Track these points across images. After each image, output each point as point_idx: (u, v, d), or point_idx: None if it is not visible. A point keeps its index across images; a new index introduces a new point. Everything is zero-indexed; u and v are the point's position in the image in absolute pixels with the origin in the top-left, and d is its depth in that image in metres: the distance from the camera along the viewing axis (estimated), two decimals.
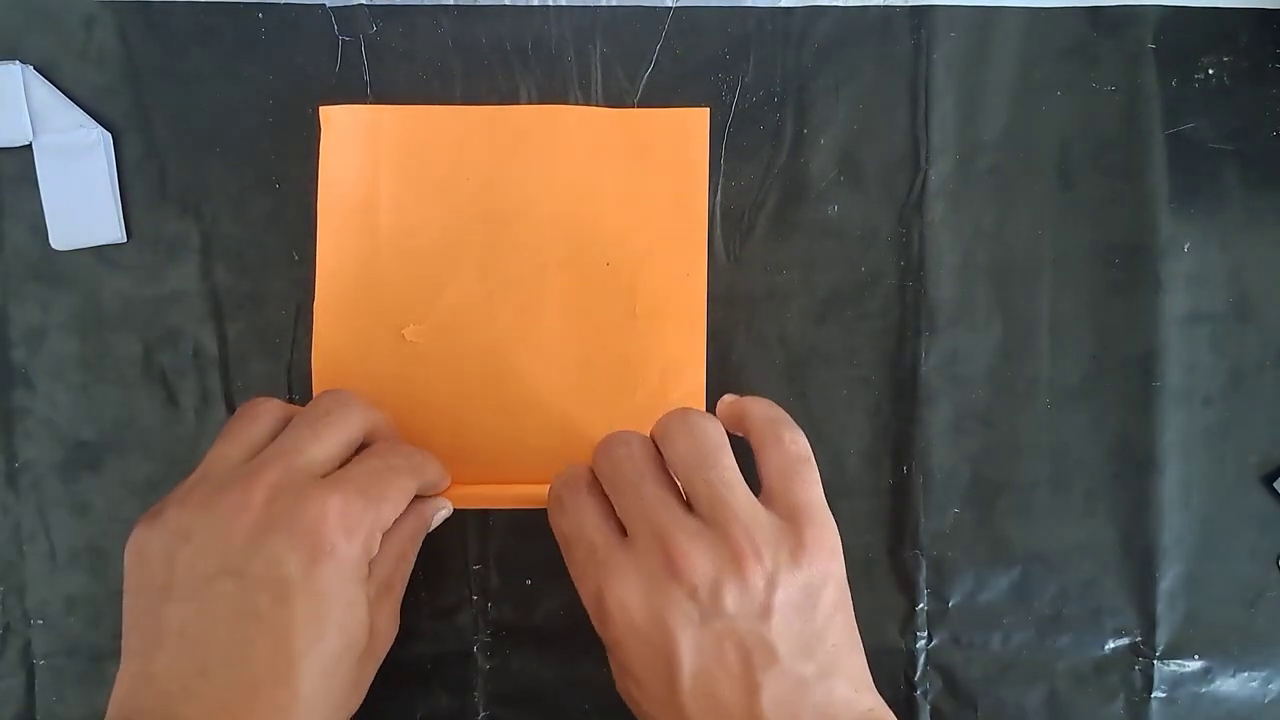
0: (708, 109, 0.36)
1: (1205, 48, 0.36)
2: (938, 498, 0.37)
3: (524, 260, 0.36)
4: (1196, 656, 0.37)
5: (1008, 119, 0.36)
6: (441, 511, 0.34)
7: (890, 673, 0.37)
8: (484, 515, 0.37)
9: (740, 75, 0.36)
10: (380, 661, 0.32)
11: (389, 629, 0.32)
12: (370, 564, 0.30)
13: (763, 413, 0.31)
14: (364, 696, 0.32)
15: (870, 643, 0.37)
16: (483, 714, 0.37)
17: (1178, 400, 0.37)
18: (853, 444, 0.37)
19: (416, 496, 0.33)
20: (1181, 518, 0.37)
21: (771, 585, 0.28)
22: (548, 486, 0.33)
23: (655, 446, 0.31)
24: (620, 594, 0.28)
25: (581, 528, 0.30)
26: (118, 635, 0.36)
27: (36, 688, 0.36)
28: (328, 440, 0.31)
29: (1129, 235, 0.37)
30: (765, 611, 0.28)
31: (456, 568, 0.37)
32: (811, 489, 0.30)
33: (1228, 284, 0.37)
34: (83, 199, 0.35)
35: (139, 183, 0.36)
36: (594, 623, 0.30)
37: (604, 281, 0.36)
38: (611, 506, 0.31)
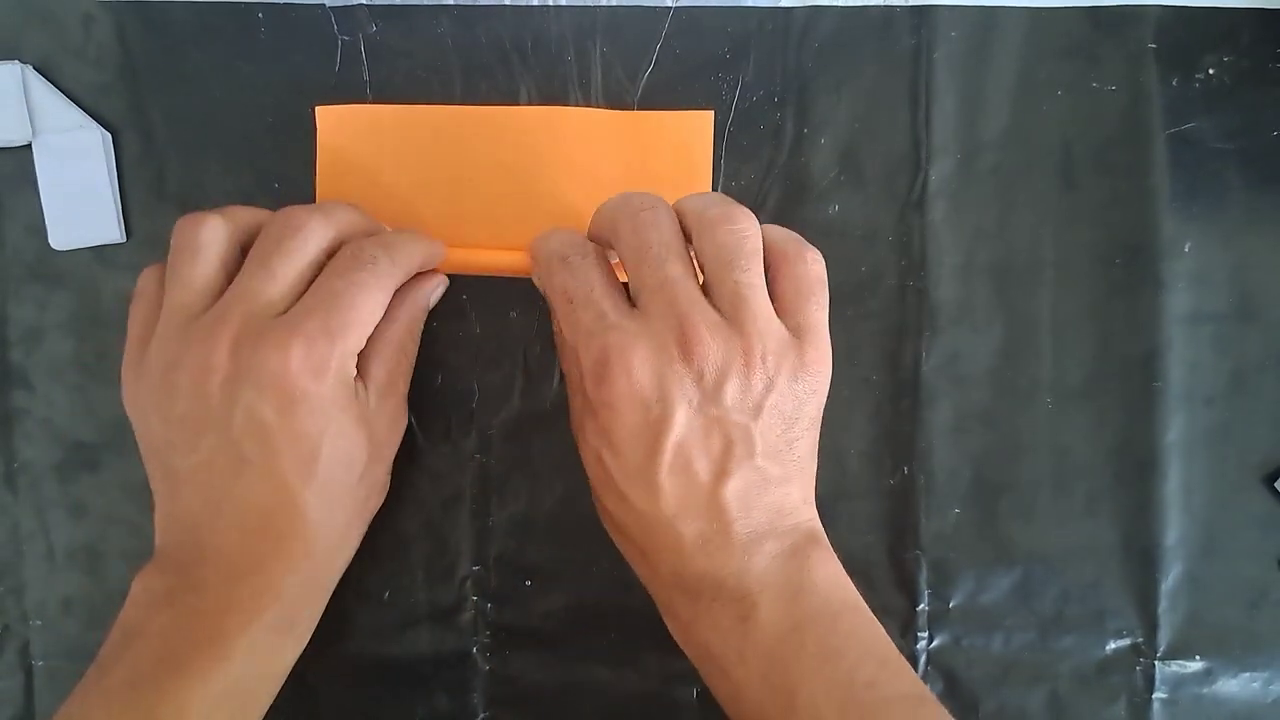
0: (712, 111, 0.36)
1: (1206, 47, 0.36)
2: (939, 498, 0.37)
3: (526, 262, 0.36)
4: (1198, 657, 0.37)
5: (1009, 119, 0.36)
6: (437, 290, 0.34)
7: None
8: (484, 517, 0.37)
9: (740, 75, 0.36)
10: (392, 459, 0.33)
11: (394, 429, 0.33)
12: (364, 372, 0.31)
13: (782, 233, 0.32)
14: (386, 492, 0.34)
15: None
16: (482, 715, 0.37)
17: (1179, 401, 0.37)
18: (853, 444, 0.37)
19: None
20: (1183, 518, 0.37)
21: (769, 389, 0.29)
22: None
23: (679, 223, 0.31)
24: (631, 361, 0.29)
25: (591, 290, 0.30)
26: None
27: (35, 688, 0.36)
28: (282, 275, 0.30)
29: (1130, 235, 0.37)
30: (756, 410, 0.29)
31: (456, 568, 0.37)
32: (822, 312, 0.31)
33: (1229, 284, 0.37)
34: (82, 199, 0.35)
35: (138, 182, 0.36)
36: (588, 383, 0.30)
37: None
38: (614, 275, 0.31)
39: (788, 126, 0.36)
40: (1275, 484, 0.37)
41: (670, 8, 0.36)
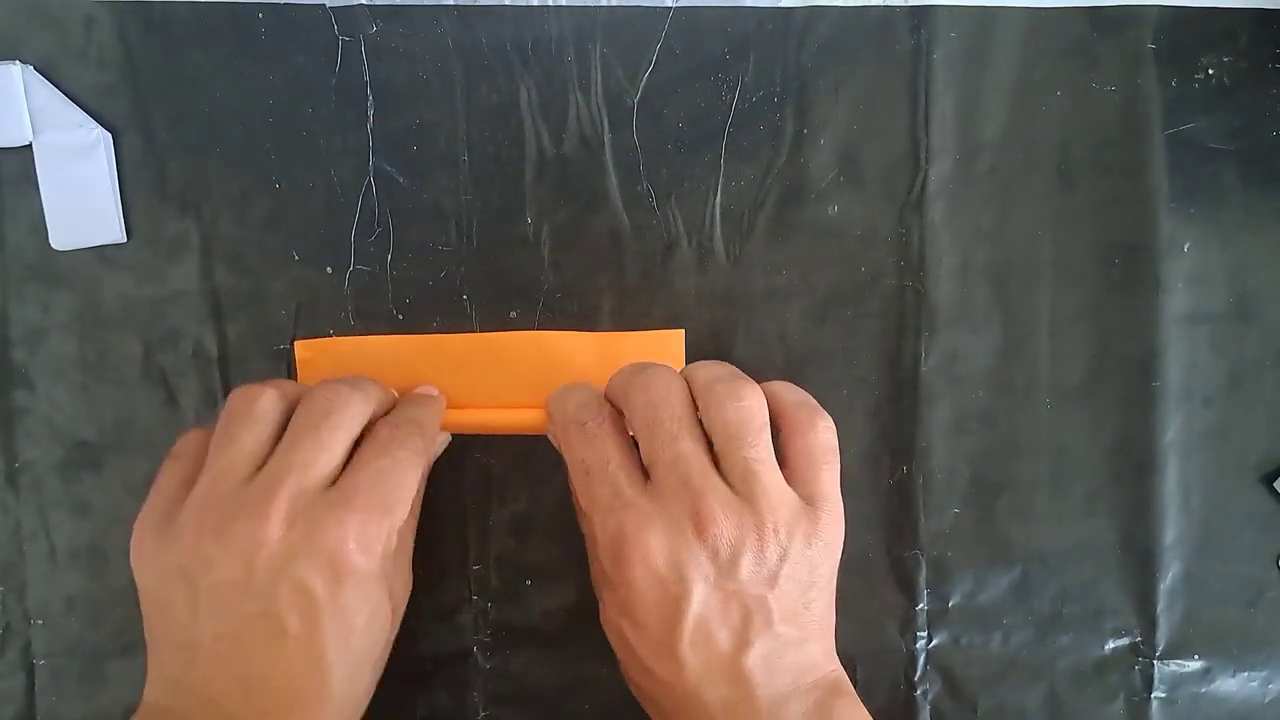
0: (683, 330, 0.36)
1: (1205, 47, 0.36)
2: (938, 498, 0.37)
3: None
4: (1196, 656, 0.37)
5: (1008, 119, 0.36)
6: (441, 447, 0.35)
7: (890, 673, 0.37)
8: (484, 516, 0.37)
9: (740, 75, 0.36)
10: (399, 625, 0.33)
11: (406, 591, 0.33)
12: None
13: (794, 397, 0.32)
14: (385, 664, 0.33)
15: (870, 643, 0.37)
16: (482, 714, 0.37)
17: (1178, 400, 0.37)
18: (853, 444, 0.37)
19: None
20: (1181, 518, 0.37)
21: (782, 559, 0.30)
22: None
23: (689, 392, 0.32)
24: (648, 541, 0.29)
25: (606, 463, 0.31)
26: (118, 635, 0.36)
27: (36, 688, 0.37)
28: (333, 446, 0.30)
29: (1129, 235, 0.37)
30: (771, 580, 0.29)
31: (456, 568, 0.37)
32: (834, 477, 0.31)
33: (1228, 284, 0.37)
34: (83, 199, 0.35)
35: (139, 183, 0.36)
36: (605, 560, 0.30)
37: None
38: (629, 442, 0.31)
39: (787, 127, 0.36)
40: (1273, 484, 0.37)
41: (670, 8, 0.36)
